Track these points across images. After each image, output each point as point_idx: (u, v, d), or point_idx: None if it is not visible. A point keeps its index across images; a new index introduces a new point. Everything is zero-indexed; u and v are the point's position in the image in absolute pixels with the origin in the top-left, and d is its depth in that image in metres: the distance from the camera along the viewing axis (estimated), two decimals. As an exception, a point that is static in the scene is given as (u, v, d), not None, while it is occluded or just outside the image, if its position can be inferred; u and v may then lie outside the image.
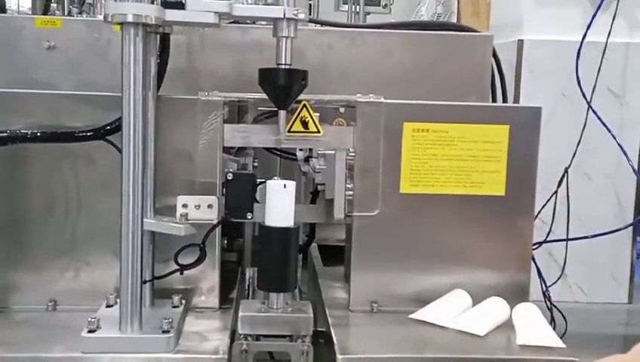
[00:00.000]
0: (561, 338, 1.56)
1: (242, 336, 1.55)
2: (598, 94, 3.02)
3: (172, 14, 1.49)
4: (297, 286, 1.93)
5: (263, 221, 1.59)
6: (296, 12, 1.53)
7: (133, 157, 1.43)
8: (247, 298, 1.84)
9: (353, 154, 1.70)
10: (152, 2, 1.43)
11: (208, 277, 1.69)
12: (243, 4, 1.56)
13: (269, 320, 1.57)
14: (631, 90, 3.16)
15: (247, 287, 2.10)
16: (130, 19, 1.39)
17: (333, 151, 1.71)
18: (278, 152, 1.93)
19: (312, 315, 1.58)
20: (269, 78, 1.59)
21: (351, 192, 1.70)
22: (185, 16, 1.51)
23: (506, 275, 1.72)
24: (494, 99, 2.16)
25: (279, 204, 1.57)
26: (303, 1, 1.59)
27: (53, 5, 2.57)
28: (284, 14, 1.53)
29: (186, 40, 1.95)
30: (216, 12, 1.51)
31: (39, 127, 1.58)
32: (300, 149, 1.79)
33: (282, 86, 1.59)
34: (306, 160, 1.82)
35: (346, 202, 1.71)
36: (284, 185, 1.56)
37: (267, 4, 1.57)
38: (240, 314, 1.57)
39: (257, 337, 1.57)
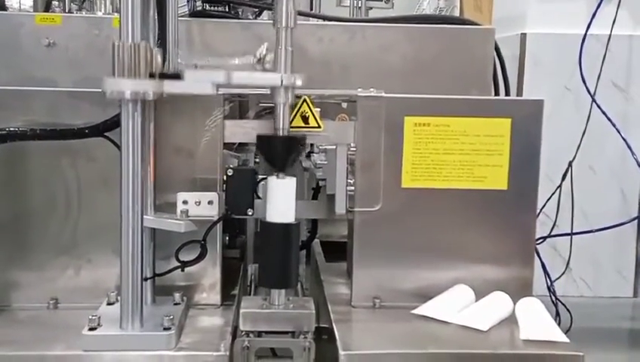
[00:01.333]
0: (566, 332, 1.55)
1: (244, 333, 1.55)
2: (601, 87, 3.01)
3: (170, 86, 1.50)
4: (299, 282, 1.92)
5: (263, 217, 1.58)
6: (293, 79, 1.55)
7: (132, 153, 1.43)
8: (250, 294, 1.83)
9: (354, 149, 1.69)
10: (151, 75, 1.43)
11: (210, 274, 1.68)
12: (237, 61, 1.59)
13: (270, 317, 1.57)
14: (635, 83, 3.15)
15: (249, 284, 2.09)
16: (128, 96, 1.40)
17: (334, 147, 1.70)
18: None
19: (313, 311, 1.58)
20: (267, 145, 1.60)
21: (352, 187, 1.70)
22: (183, 87, 1.52)
23: (509, 270, 1.71)
24: (496, 93, 2.15)
25: (280, 200, 1.57)
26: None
27: (55, 2, 2.57)
28: (282, 82, 1.54)
29: (187, 35, 1.94)
30: (213, 83, 1.53)
31: (39, 125, 1.58)
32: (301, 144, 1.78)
33: (280, 153, 1.58)
34: (307, 155, 1.81)
35: (347, 197, 1.70)
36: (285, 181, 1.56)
37: (265, 69, 1.60)
38: (241, 310, 1.56)
39: (259, 334, 1.57)
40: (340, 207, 1.71)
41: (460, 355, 1.49)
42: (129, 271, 1.44)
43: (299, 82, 1.56)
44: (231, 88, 1.64)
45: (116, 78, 1.40)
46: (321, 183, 1.81)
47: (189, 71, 1.55)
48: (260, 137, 1.62)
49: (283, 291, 1.59)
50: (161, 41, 1.60)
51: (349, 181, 1.71)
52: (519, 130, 1.68)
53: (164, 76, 1.50)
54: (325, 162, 1.74)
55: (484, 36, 2.07)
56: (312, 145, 1.80)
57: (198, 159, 1.66)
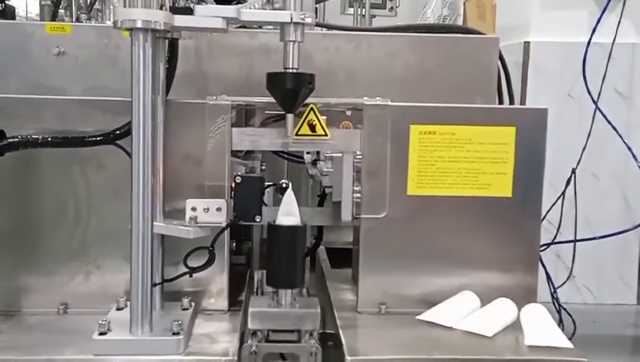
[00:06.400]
0: (569, 339, 1.56)
1: (252, 332, 1.58)
2: (604, 95, 3.02)
3: (180, 20, 1.51)
4: (305, 285, 1.94)
5: (272, 220, 1.63)
6: (303, 16, 1.55)
7: (142, 161, 1.45)
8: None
9: (360, 156, 1.71)
10: (161, 8, 1.45)
11: (217, 280, 1.70)
12: (250, 8, 1.57)
13: (277, 316, 1.61)
14: (638, 90, 3.16)
15: (255, 290, 2.11)
16: (139, 25, 1.41)
17: (340, 154, 1.72)
18: (286, 155, 1.94)
19: (318, 311, 1.62)
20: (276, 82, 1.60)
21: (359, 195, 1.71)
22: (193, 21, 1.53)
23: (514, 276, 1.73)
24: (501, 101, 2.16)
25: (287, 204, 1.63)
26: (310, 5, 1.59)
27: (61, 11, 2.58)
28: (292, 19, 1.55)
29: (194, 44, 1.96)
30: (224, 17, 1.53)
31: (50, 132, 1.60)
32: (308, 152, 1.80)
33: (290, 90, 1.60)
34: (314, 163, 1.83)
35: (353, 204, 1.72)
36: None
37: (274, 9, 1.58)
38: (250, 309, 1.60)
39: (267, 333, 1.62)
40: (346, 214, 1.73)
41: (465, 361, 1.51)
42: (139, 277, 1.46)
43: (309, 20, 1.56)
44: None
45: (128, 7, 1.42)
46: (327, 191, 1.83)
47: (200, 6, 1.55)
48: (270, 75, 1.61)
49: (290, 291, 1.63)
50: None
51: (355, 188, 1.73)
52: (524, 138, 1.70)
53: (175, 10, 1.51)
54: (331, 170, 1.75)
55: (488, 45, 2.09)
56: (318, 152, 1.82)
57: (206, 166, 1.67)
